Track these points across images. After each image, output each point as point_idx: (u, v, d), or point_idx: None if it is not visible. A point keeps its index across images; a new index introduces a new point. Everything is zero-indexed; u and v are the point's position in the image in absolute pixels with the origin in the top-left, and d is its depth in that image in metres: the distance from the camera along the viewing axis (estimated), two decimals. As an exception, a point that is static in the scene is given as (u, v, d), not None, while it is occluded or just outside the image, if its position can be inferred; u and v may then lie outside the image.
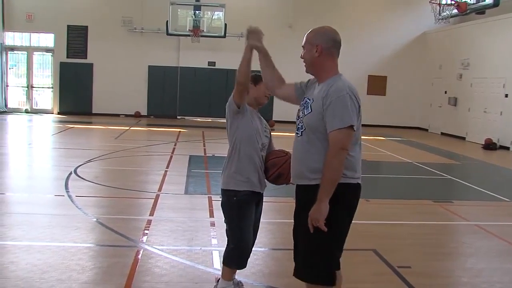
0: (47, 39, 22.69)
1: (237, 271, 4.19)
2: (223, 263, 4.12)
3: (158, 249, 5.44)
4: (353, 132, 3.26)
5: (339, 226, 3.36)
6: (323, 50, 3.39)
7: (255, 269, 4.94)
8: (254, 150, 3.98)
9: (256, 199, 4.07)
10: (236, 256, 4.02)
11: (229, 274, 4.11)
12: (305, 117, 3.36)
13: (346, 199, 3.33)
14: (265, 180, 4.05)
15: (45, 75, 23.31)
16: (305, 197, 3.36)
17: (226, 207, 4.08)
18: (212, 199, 7.87)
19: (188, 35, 21.15)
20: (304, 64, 3.53)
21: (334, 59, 3.44)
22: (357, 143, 3.38)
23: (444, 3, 15.74)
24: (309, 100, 3.40)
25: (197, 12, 21.51)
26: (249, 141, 3.98)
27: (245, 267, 4.14)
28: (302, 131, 3.39)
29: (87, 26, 22.36)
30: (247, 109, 4.04)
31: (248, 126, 3.99)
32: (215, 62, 23.04)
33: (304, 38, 3.52)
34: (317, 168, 3.27)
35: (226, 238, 4.08)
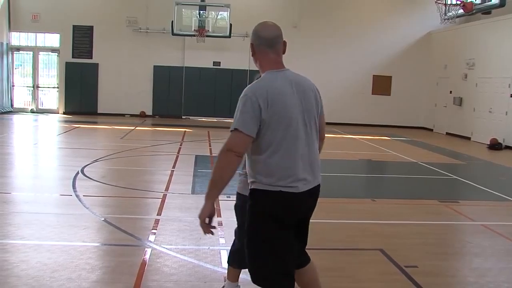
0: (52, 39, 22.76)
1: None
2: (227, 262, 4.14)
3: (166, 248, 5.48)
4: (243, 136, 3.07)
5: (265, 235, 3.17)
6: (254, 48, 3.33)
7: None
8: None
9: None
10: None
11: (233, 275, 4.14)
12: None
13: (265, 206, 3.16)
14: None
15: (50, 75, 23.37)
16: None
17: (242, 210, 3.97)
18: (219, 199, 7.89)
19: (193, 35, 21.19)
20: None
21: (267, 56, 3.27)
22: (274, 148, 3.12)
23: (450, 3, 15.71)
24: None
25: (202, 12, 21.54)
26: None
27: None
28: None
29: (92, 26, 22.43)
30: None
31: None
32: (220, 62, 23.08)
33: None
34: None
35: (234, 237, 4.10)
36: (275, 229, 3.17)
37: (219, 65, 23.10)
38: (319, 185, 3.33)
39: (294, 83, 3.27)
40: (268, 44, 3.26)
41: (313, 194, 3.28)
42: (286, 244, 3.23)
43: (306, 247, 3.55)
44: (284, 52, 3.35)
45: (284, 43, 3.34)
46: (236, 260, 4.10)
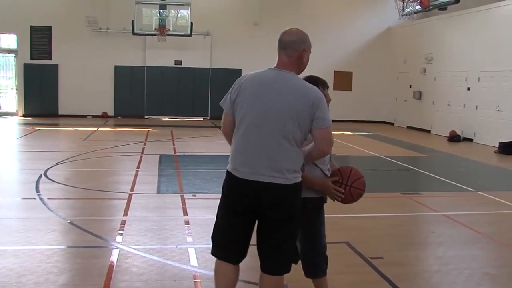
0: (9, 40, 22.28)
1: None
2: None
3: (134, 248, 5.47)
4: (224, 113, 3.53)
5: (218, 206, 3.60)
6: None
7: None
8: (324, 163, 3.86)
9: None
10: (321, 261, 3.96)
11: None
12: None
13: (223, 182, 3.55)
14: None
15: (8, 76, 22.89)
16: None
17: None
18: (185, 197, 7.92)
19: (154, 35, 21.02)
20: None
21: (279, 56, 3.56)
22: (238, 132, 3.42)
23: (407, -1, 16.03)
24: None
25: (162, 11, 21.37)
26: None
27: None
28: None
29: (51, 27, 22.02)
30: None
31: None
32: (181, 61, 22.98)
33: None
34: None
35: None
36: (222, 204, 3.55)
37: (181, 64, 22.99)
38: (271, 184, 3.31)
39: (271, 80, 3.40)
40: (281, 46, 3.52)
41: (256, 188, 3.33)
42: (226, 222, 3.52)
43: None
44: (301, 60, 3.52)
45: (303, 51, 3.50)
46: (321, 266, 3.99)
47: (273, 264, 3.47)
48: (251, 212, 3.44)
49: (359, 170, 3.89)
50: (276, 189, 3.33)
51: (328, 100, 3.77)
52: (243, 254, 3.57)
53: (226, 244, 3.53)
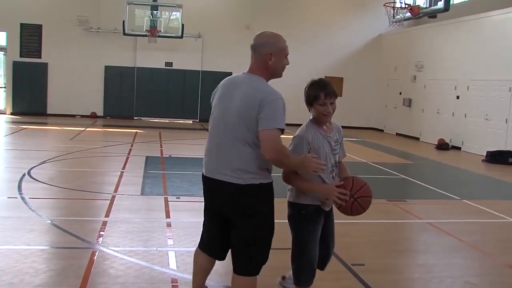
0: (-1, 38, 22.15)
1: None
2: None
3: (114, 250, 5.40)
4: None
5: None
6: None
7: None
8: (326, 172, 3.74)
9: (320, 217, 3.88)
10: (300, 271, 3.85)
11: None
12: None
13: None
14: None
15: (-4, 74, 22.74)
16: None
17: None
18: (169, 199, 7.86)
19: (145, 35, 20.97)
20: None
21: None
22: (208, 132, 3.66)
23: (398, 6, 16.05)
24: None
25: (154, 12, 21.32)
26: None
27: (307, 286, 3.89)
28: None
29: (41, 25, 21.88)
30: (312, 131, 3.81)
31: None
32: (172, 63, 22.91)
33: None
34: None
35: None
36: (205, 207, 3.73)
37: (171, 66, 22.93)
38: (226, 183, 3.41)
39: (235, 83, 3.52)
40: (251, 49, 3.57)
41: (216, 186, 3.48)
42: (205, 219, 3.75)
43: None
44: (266, 64, 3.51)
45: (269, 54, 3.50)
46: (300, 277, 3.89)
47: (237, 264, 3.54)
48: (219, 212, 3.59)
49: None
50: (231, 189, 3.41)
51: (326, 111, 3.77)
52: (218, 251, 3.73)
53: (203, 237, 3.80)
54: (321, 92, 3.69)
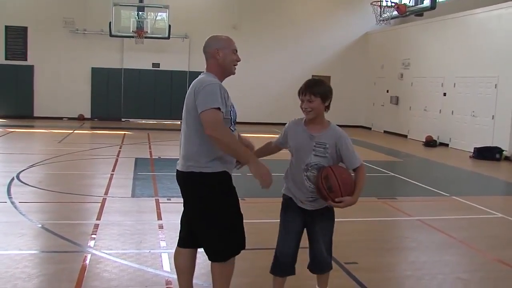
0: (-17, 41, 21.96)
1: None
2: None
3: (106, 253, 5.39)
4: None
5: None
6: None
7: (205, 270, 4.95)
8: (299, 168, 3.83)
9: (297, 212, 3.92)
10: (273, 258, 3.99)
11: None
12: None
13: None
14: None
15: (-19, 77, 22.51)
16: None
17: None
18: (160, 201, 7.85)
19: (132, 37, 20.91)
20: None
21: None
22: None
23: (385, 5, 16.14)
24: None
25: (140, 13, 21.25)
26: (295, 158, 3.89)
27: (281, 274, 4.00)
28: None
29: (26, 27, 21.74)
30: (296, 124, 3.93)
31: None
32: (159, 64, 22.86)
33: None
34: None
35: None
36: None
37: (159, 67, 22.88)
38: (181, 172, 3.67)
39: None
40: (203, 53, 3.90)
41: (178, 176, 3.74)
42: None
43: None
44: (208, 58, 3.84)
45: (216, 50, 3.79)
46: (273, 268, 4.05)
47: (206, 250, 3.74)
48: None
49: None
50: (179, 176, 3.75)
51: (302, 106, 3.78)
52: (187, 238, 3.87)
53: (181, 231, 3.99)
54: (300, 89, 3.79)
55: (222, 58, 3.73)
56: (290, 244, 3.89)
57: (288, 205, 3.93)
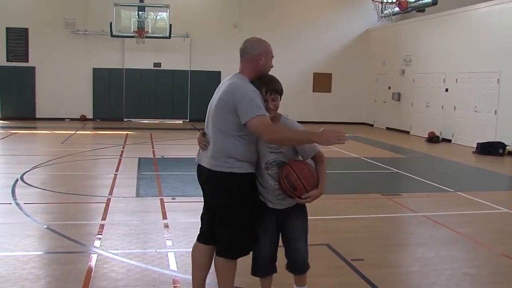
0: (-16, 42, 21.96)
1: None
2: None
3: (112, 253, 5.39)
4: None
5: None
6: None
7: (211, 269, 4.95)
8: (260, 168, 3.78)
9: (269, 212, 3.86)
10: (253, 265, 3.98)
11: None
12: None
13: None
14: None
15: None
16: None
17: None
18: (164, 201, 7.84)
19: (133, 37, 20.90)
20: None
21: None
22: None
23: (386, 1, 16.12)
24: None
25: (141, 13, 21.24)
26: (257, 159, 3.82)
27: (261, 275, 3.99)
28: None
29: (27, 29, 21.76)
30: None
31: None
32: (160, 63, 22.86)
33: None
34: None
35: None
36: None
37: (160, 66, 22.87)
38: (209, 170, 3.67)
39: (223, 82, 3.82)
40: (241, 52, 3.81)
41: (202, 172, 3.77)
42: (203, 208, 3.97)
43: None
44: (248, 60, 3.76)
45: (250, 56, 3.74)
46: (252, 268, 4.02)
47: (220, 245, 3.81)
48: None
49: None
50: (205, 174, 3.76)
51: (267, 106, 3.68)
52: (209, 237, 3.89)
53: (201, 228, 4.05)
54: (263, 88, 3.70)
55: (263, 64, 3.75)
56: (265, 245, 3.85)
57: (262, 209, 3.84)
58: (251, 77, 3.71)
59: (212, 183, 3.71)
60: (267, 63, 3.78)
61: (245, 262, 3.93)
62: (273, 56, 3.84)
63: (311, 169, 3.67)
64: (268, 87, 3.72)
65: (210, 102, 3.82)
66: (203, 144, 3.77)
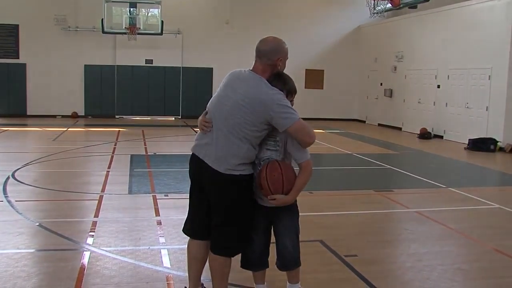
0: (-26, 39, 21.80)
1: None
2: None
3: (105, 250, 5.36)
4: None
5: None
6: None
7: (205, 266, 4.94)
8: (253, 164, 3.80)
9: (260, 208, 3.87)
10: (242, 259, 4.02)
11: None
12: None
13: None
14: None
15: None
16: None
17: None
18: (157, 197, 7.82)
19: (124, 33, 20.82)
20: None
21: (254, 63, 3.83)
22: None
23: (378, -3, 16.16)
24: None
25: (132, 9, 21.16)
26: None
27: (251, 269, 4.02)
28: None
29: (18, 25, 21.59)
30: None
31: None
32: (152, 60, 22.77)
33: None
34: None
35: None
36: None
37: (152, 63, 22.79)
38: (215, 171, 3.62)
39: (240, 79, 3.73)
40: (256, 54, 3.77)
41: (201, 166, 3.69)
42: (191, 198, 3.95)
43: None
44: (266, 64, 3.74)
45: (278, 60, 3.75)
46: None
47: (216, 244, 3.80)
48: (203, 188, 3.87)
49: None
50: (210, 173, 3.70)
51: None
52: (204, 232, 3.89)
53: (189, 222, 4.09)
54: (284, 90, 3.75)
55: (281, 68, 3.80)
56: (256, 241, 3.86)
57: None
58: (268, 78, 3.72)
59: (222, 185, 3.66)
60: (284, 65, 3.84)
61: (238, 259, 3.93)
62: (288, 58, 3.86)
63: (283, 174, 3.63)
64: (289, 90, 3.79)
65: (218, 96, 3.75)
66: (205, 126, 3.72)
